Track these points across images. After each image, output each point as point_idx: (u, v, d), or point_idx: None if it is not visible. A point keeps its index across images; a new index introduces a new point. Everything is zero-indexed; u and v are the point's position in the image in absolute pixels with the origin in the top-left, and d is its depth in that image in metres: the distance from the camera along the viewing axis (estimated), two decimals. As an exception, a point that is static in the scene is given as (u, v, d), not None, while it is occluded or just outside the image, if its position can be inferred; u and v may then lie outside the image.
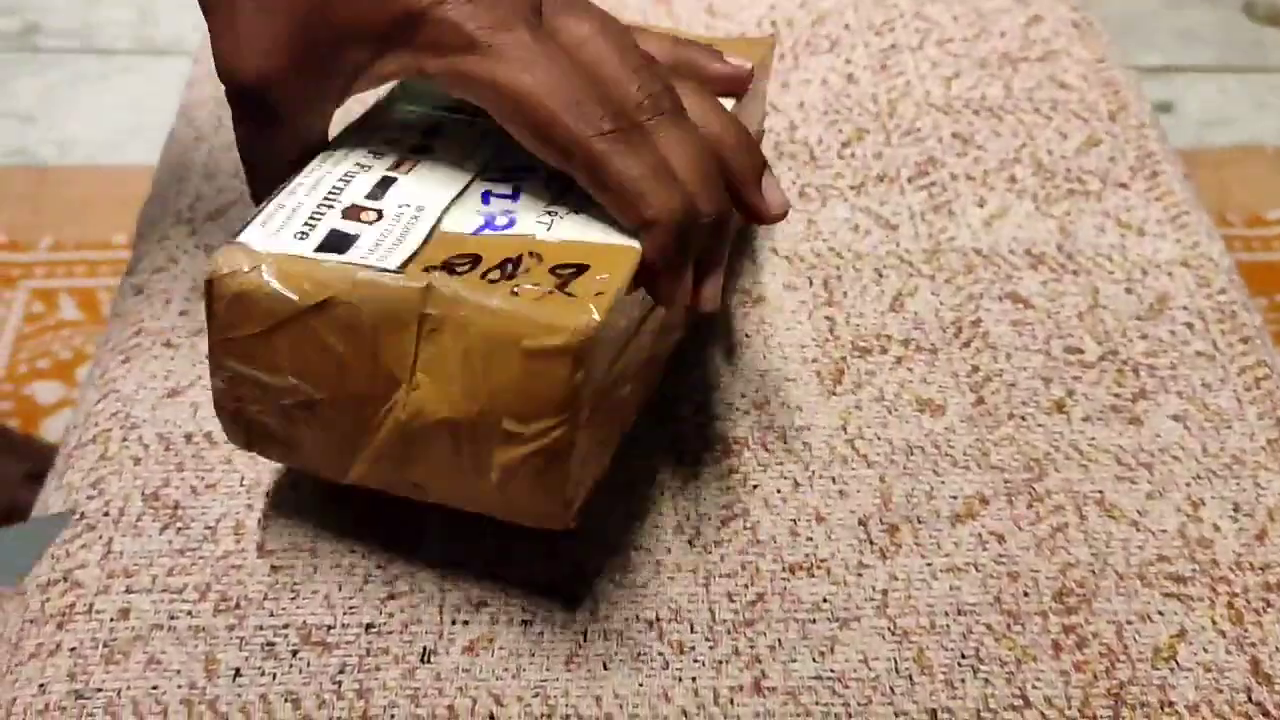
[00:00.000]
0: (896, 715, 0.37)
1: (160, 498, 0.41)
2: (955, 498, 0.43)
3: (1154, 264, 0.51)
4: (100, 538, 0.40)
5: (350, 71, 0.37)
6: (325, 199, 0.37)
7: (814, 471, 0.43)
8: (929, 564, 0.41)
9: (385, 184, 0.37)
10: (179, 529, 0.41)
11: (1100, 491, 0.43)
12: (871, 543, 0.41)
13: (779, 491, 0.43)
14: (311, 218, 0.36)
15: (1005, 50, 0.61)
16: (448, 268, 0.35)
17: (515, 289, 0.34)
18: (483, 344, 0.34)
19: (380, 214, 0.36)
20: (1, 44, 1.46)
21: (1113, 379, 0.47)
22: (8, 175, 1.34)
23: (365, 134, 0.40)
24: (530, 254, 0.35)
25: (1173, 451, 0.45)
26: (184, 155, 0.55)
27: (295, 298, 0.34)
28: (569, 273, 0.34)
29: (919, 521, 0.42)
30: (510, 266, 0.35)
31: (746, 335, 0.48)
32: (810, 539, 0.41)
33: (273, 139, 0.39)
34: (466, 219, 0.36)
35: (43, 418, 1.14)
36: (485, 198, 0.37)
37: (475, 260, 0.35)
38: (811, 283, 0.50)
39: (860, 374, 0.47)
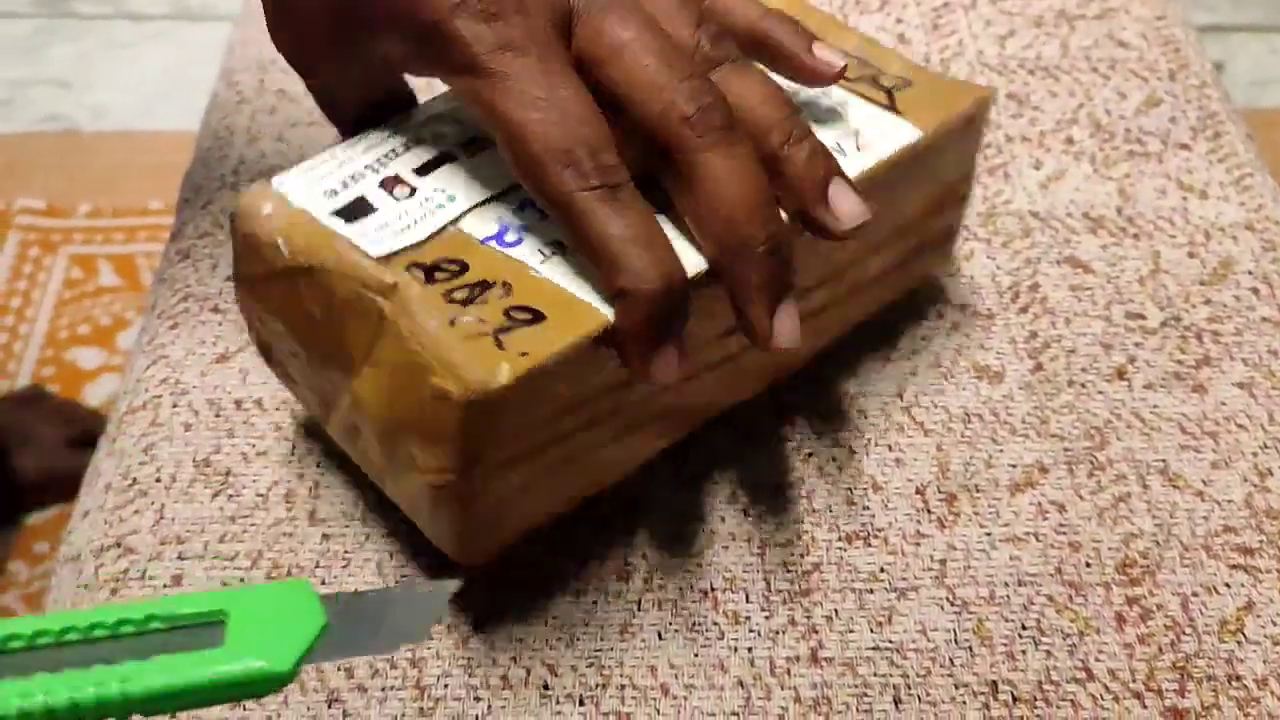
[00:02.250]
0: (956, 687, 0.37)
1: (211, 464, 0.41)
2: (1014, 466, 0.42)
3: (1217, 227, 0.50)
4: (152, 504, 0.40)
5: (385, 64, 0.36)
6: (377, 161, 0.37)
7: (870, 439, 0.43)
8: (988, 533, 0.40)
9: (441, 160, 0.37)
10: (230, 496, 0.40)
11: (1163, 460, 0.42)
12: (929, 512, 0.41)
13: (834, 459, 0.42)
14: (351, 178, 0.36)
15: (1061, 7, 0.60)
16: (430, 270, 0.34)
17: (456, 318, 0.32)
18: (406, 362, 0.32)
19: (413, 192, 0.36)
20: (38, 10, 1.46)
21: (1175, 345, 0.46)
22: (45, 141, 1.35)
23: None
24: (504, 284, 0.33)
25: (1238, 420, 0.44)
26: (227, 119, 0.54)
27: (286, 255, 0.35)
28: (522, 319, 0.33)
29: (977, 490, 0.41)
30: (479, 290, 0.33)
31: (798, 301, 0.47)
32: (867, 508, 0.41)
33: (329, 100, 0.39)
34: (486, 223, 0.35)
35: (84, 383, 1.15)
36: (523, 205, 0.36)
37: (461, 270, 0.34)
38: (864, 247, 0.49)
39: (916, 339, 0.46)
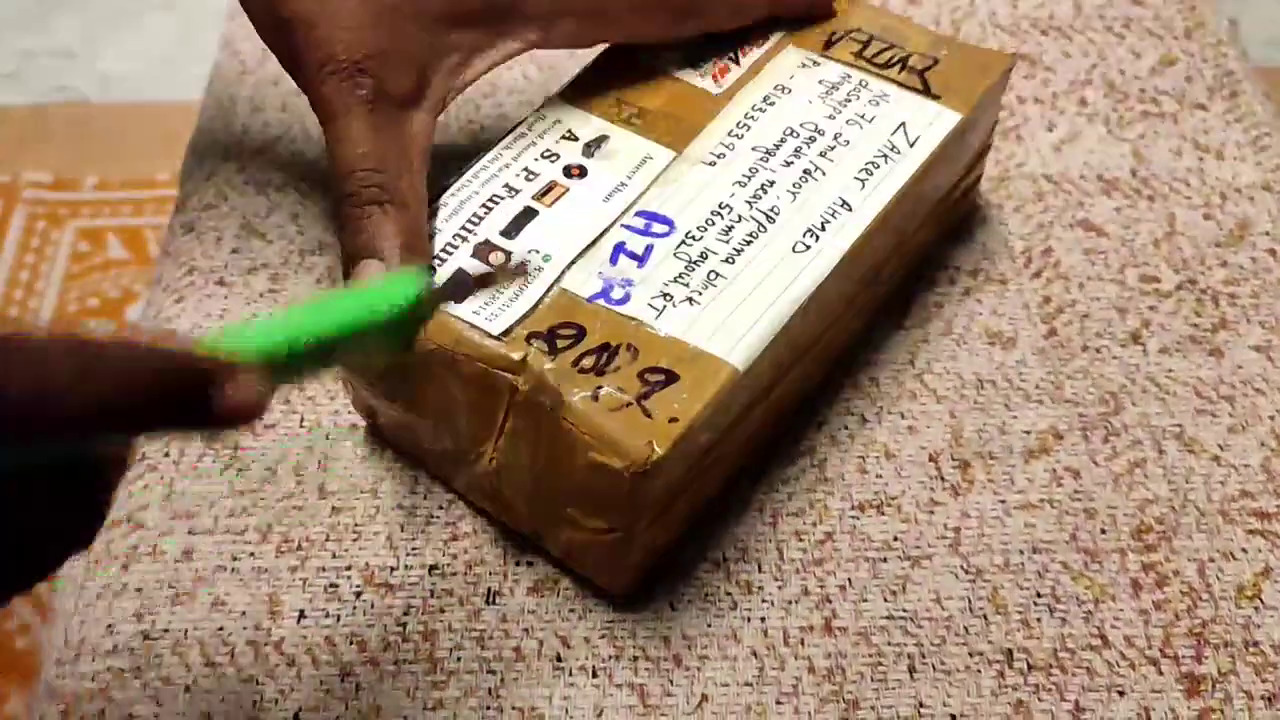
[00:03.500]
0: (971, 655, 0.37)
1: (220, 439, 0.41)
2: (1028, 432, 0.42)
3: (1234, 188, 0.49)
4: (162, 479, 0.40)
5: (457, 59, 0.38)
6: (463, 228, 0.37)
7: (882, 407, 0.42)
8: (1002, 500, 0.40)
9: (526, 217, 0.37)
10: (239, 470, 0.40)
11: (1179, 425, 0.42)
12: (943, 479, 0.40)
13: (846, 428, 0.42)
14: (443, 251, 0.37)
15: (1074, -35, 0.59)
16: (551, 339, 0.35)
17: (599, 389, 0.34)
18: (556, 436, 0.34)
19: (508, 257, 0.36)
20: (40, -20, 1.45)
21: (1191, 309, 0.45)
22: (51, 113, 1.34)
23: (535, 135, 0.40)
24: (628, 346, 0.35)
25: (1255, 384, 0.43)
26: (229, 89, 0.54)
27: None
28: (657, 381, 0.34)
29: (991, 457, 0.41)
30: (605, 357, 0.34)
31: (809, 267, 0.47)
32: (879, 476, 0.40)
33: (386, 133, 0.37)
34: (588, 280, 0.36)
35: (94, 356, 1.15)
36: (615, 255, 0.37)
37: (579, 335, 0.35)
38: (875, 212, 0.48)
39: (928, 306, 0.45)
